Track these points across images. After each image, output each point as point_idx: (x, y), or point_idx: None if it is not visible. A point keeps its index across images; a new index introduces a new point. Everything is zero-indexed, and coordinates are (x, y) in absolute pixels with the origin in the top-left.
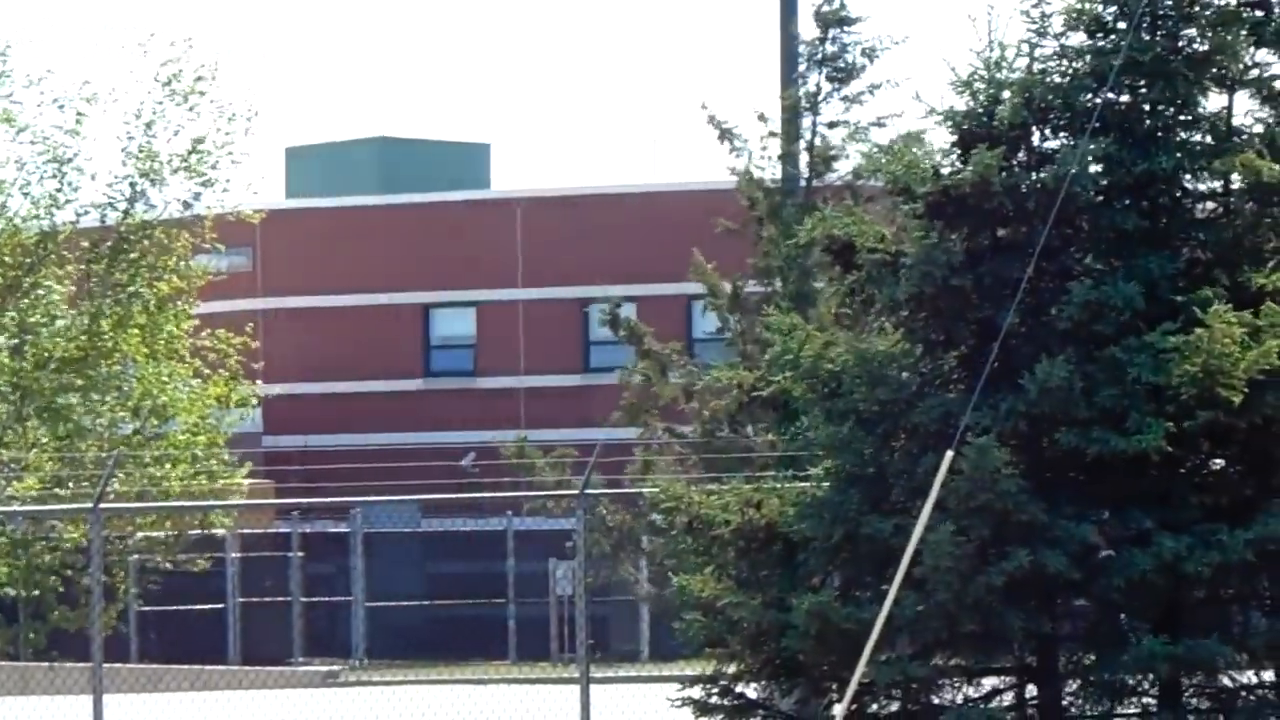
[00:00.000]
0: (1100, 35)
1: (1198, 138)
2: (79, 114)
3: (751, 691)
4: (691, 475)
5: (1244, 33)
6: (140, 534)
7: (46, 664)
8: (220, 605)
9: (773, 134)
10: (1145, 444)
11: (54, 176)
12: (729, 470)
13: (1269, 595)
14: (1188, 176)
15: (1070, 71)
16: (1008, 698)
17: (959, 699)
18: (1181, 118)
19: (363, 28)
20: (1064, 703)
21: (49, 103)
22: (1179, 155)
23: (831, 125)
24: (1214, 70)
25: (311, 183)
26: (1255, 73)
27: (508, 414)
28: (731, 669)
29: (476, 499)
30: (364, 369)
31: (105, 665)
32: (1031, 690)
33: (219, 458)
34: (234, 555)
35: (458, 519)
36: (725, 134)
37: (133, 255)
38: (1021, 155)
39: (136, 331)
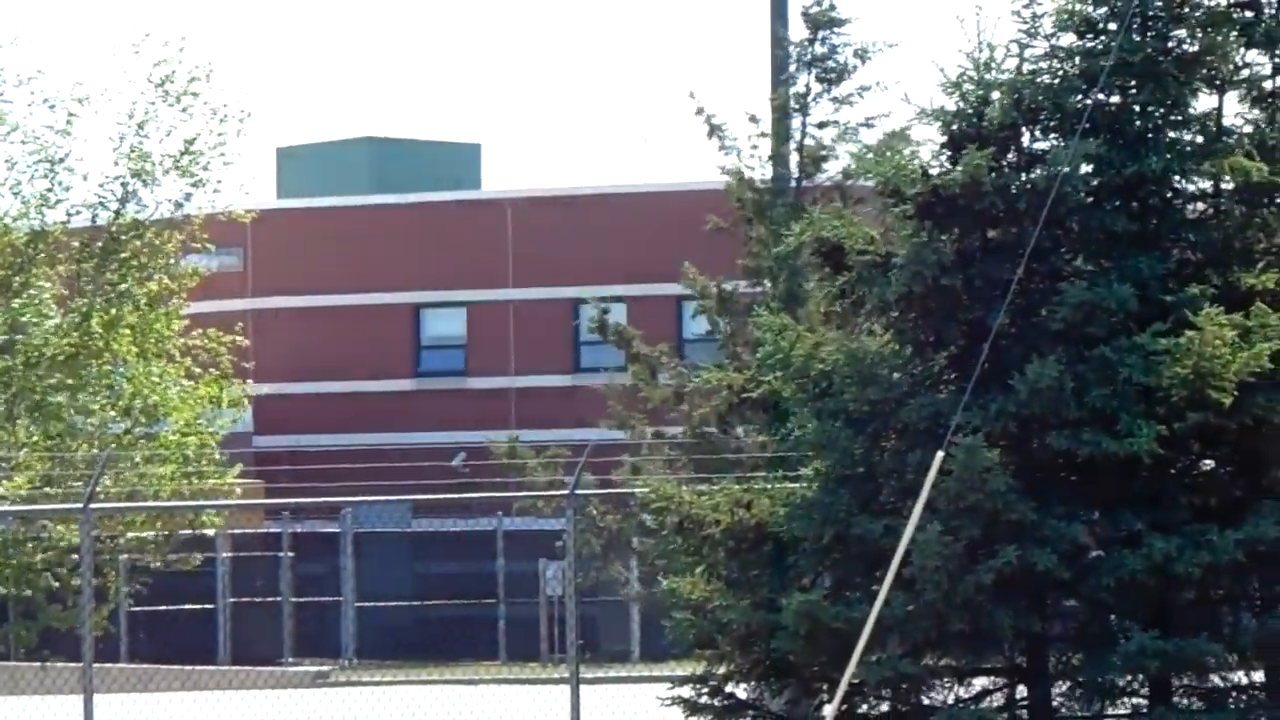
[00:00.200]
0: (1090, 36)
1: (1187, 138)
2: (70, 114)
3: (742, 692)
4: (682, 476)
5: (1234, 34)
6: (131, 534)
7: (37, 664)
8: (210, 605)
9: (763, 134)
10: (1136, 446)
11: (45, 176)
12: (719, 471)
13: (1259, 596)
14: (1177, 177)
15: (1060, 72)
16: (998, 698)
17: (949, 699)
18: (1171, 119)
19: (354, 28)
20: (1054, 703)
21: (39, 102)
22: (1169, 156)
23: (821, 126)
24: (1204, 71)
25: (302, 183)
26: (1245, 73)
27: (498, 414)
28: (722, 669)
29: (467, 499)
30: (355, 369)
31: (96, 665)
32: (1022, 690)
33: (209, 458)
34: (224, 555)
35: (448, 519)
36: (714, 129)
37: (123, 255)
38: (1011, 156)
39: (127, 331)
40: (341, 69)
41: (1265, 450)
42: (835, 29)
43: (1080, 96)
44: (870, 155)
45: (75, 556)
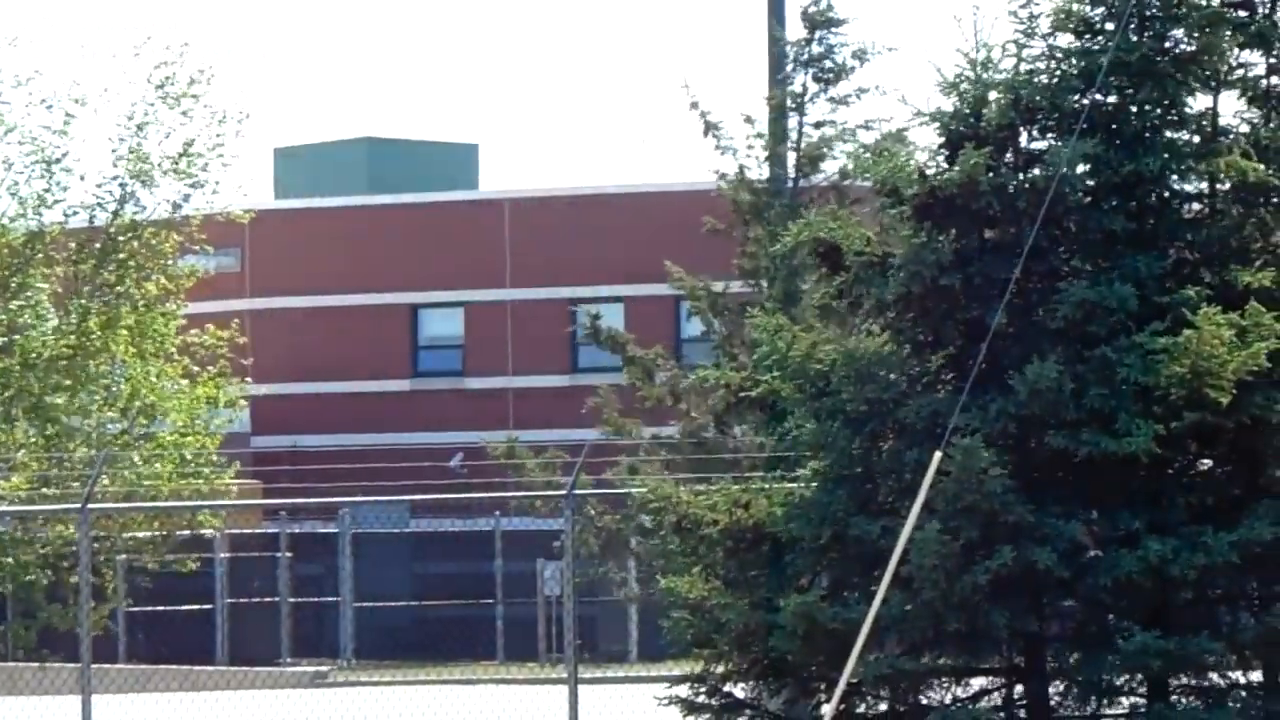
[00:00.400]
0: (1088, 36)
1: (1184, 138)
2: (67, 114)
3: (739, 691)
4: (680, 476)
5: (1230, 33)
6: (128, 534)
7: (35, 664)
8: (208, 606)
9: (759, 135)
10: (1135, 446)
11: (42, 177)
12: (717, 471)
13: (1257, 595)
14: (1174, 177)
15: (1058, 72)
16: (995, 697)
17: (947, 699)
18: (1169, 119)
19: (351, 29)
20: (1051, 702)
21: (37, 103)
22: (1166, 156)
23: (818, 126)
24: (1201, 71)
25: (300, 183)
26: (1241, 73)
27: (496, 414)
28: (719, 669)
29: (465, 499)
30: (353, 369)
31: (94, 665)
32: (1019, 689)
33: (207, 458)
34: (222, 556)
35: (446, 519)
36: (710, 127)
37: (121, 256)
38: (1009, 156)
39: (125, 332)
40: (339, 70)
41: (1263, 449)
42: (832, 29)
43: (1078, 96)
44: (867, 155)
45: (73, 547)
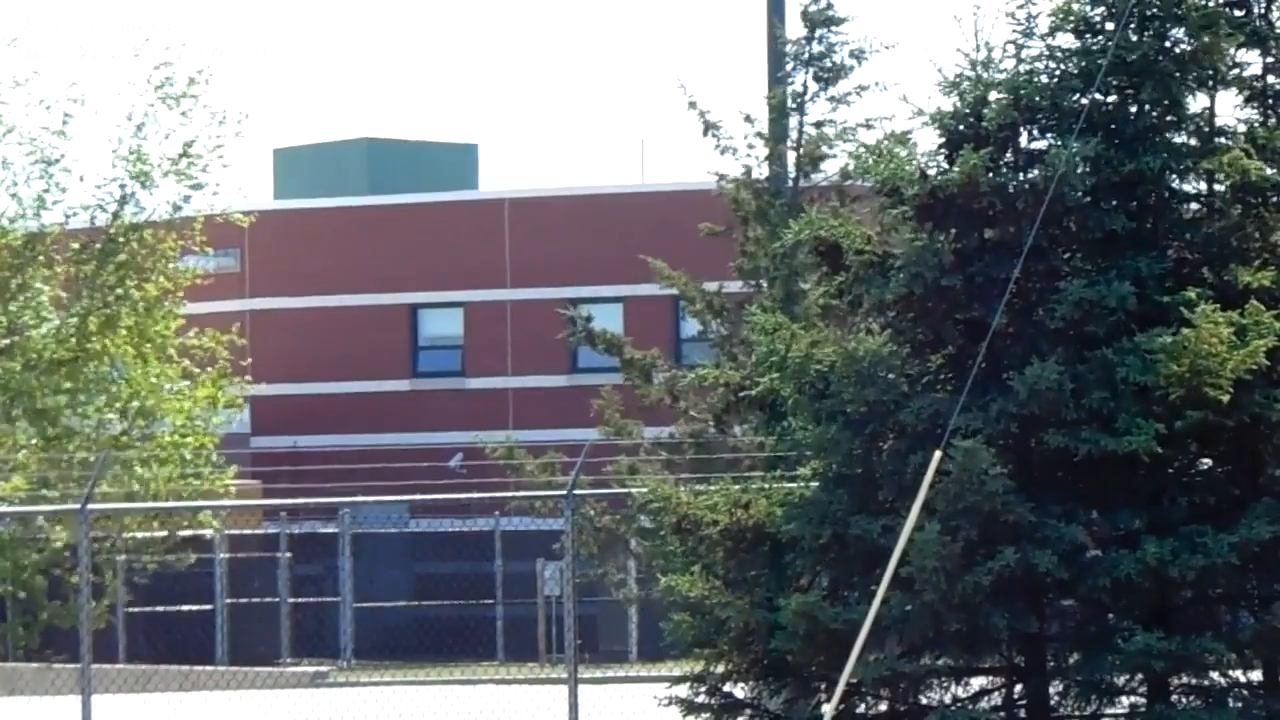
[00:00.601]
0: (1088, 35)
1: (1182, 139)
2: (65, 114)
3: (739, 691)
4: (679, 475)
5: (1228, 32)
6: (127, 535)
7: (35, 664)
8: (208, 606)
9: (759, 134)
10: (1135, 445)
11: (41, 177)
12: (716, 471)
13: (1257, 595)
14: (1174, 177)
15: (1058, 72)
16: (995, 697)
17: (947, 699)
18: (1168, 118)
19: (351, 30)
20: (1051, 702)
21: (36, 103)
22: (1166, 156)
23: (818, 125)
24: (1201, 70)
25: (300, 184)
26: (1237, 72)
27: (496, 414)
28: (719, 669)
29: (465, 500)
30: (352, 370)
31: (94, 665)
32: (1019, 689)
33: (207, 458)
34: (222, 556)
35: (446, 519)
36: (709, 126)
37: (120, 257)
38: (1009, 156)
39: (124, 333)
40: (339, 70)
41: (1262, 448)
42: (833, 28)
43: (1078, 96)
44: (868, 156)
45: (72, 557)
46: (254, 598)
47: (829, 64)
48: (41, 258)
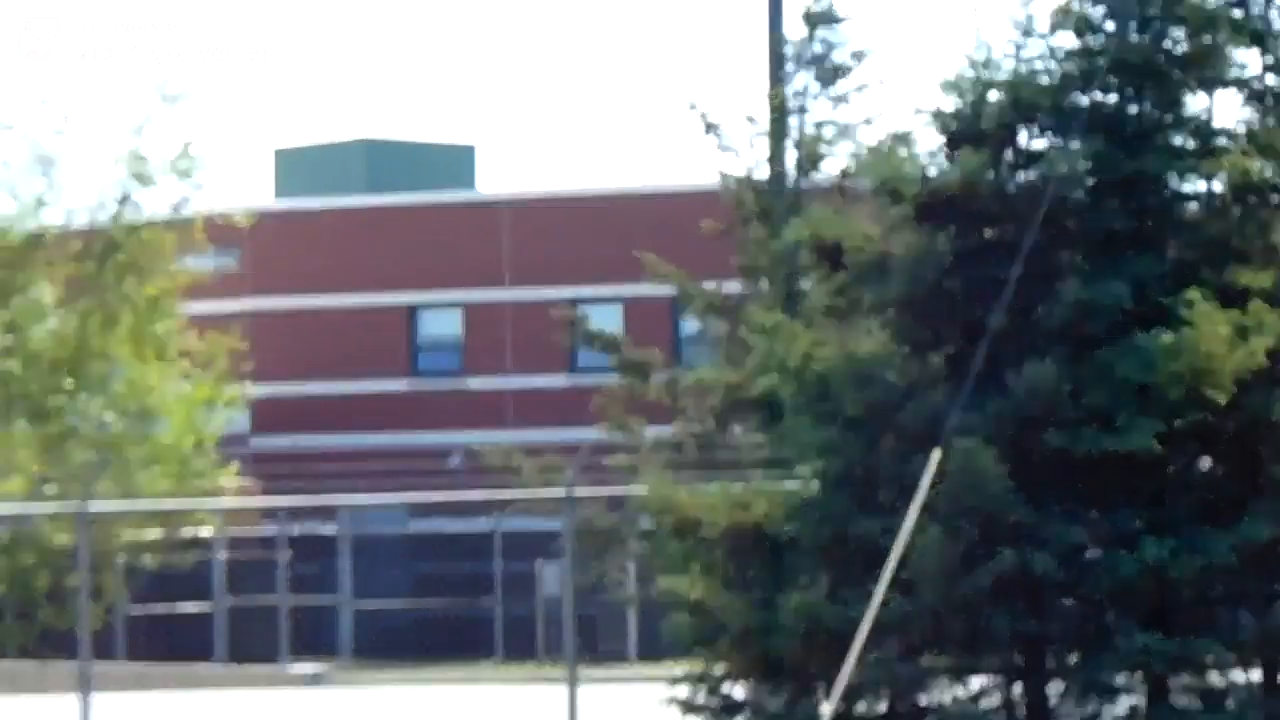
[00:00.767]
0: (1088, 35)
1: (1182, 139)
2: (65, 115)
3: (739, 691)
4: (679, 475)
5: (1228, 33)
6: (126, 536)
7: (34, 662)
8: (208, 606)
9: (761, 134)
10: (1135, 444)
11: (41, 176)
12: (716, 471)
13: (1257, 595)
14: (1174, 177)
15: (1058, 72)
16: (995, 698)
17: (947, 699)
18: (1168, 118)
19: (350, 30)
20: (1051, 703)
21: (35, 103)
22: (1166, 156)
23: (819, 125)
24: (1201, 70)
25: (300, 184)
26: (1236, 72)
27: (495, 414)
28: (719, 669)
29: (464, 500)
30: (351, 369)
31: (93, 665)
32: (1019, 690)
33: (206, 459)
34: (221, 556)
35: (444, 520)
36: (710, 126)
37: (121, 257)
38: (1009, 155)
39: (124, 333)
40: (338, 72)
41: (1262, 448)
42: (833, 27)
43: (1078, 94)
44: (868, 155)
45: (72, 558)
46: (253, 597)
47: (829, 64)
48: (41, 258)
